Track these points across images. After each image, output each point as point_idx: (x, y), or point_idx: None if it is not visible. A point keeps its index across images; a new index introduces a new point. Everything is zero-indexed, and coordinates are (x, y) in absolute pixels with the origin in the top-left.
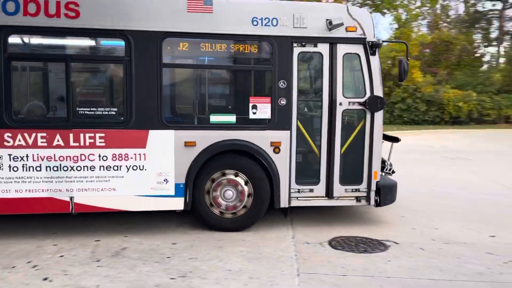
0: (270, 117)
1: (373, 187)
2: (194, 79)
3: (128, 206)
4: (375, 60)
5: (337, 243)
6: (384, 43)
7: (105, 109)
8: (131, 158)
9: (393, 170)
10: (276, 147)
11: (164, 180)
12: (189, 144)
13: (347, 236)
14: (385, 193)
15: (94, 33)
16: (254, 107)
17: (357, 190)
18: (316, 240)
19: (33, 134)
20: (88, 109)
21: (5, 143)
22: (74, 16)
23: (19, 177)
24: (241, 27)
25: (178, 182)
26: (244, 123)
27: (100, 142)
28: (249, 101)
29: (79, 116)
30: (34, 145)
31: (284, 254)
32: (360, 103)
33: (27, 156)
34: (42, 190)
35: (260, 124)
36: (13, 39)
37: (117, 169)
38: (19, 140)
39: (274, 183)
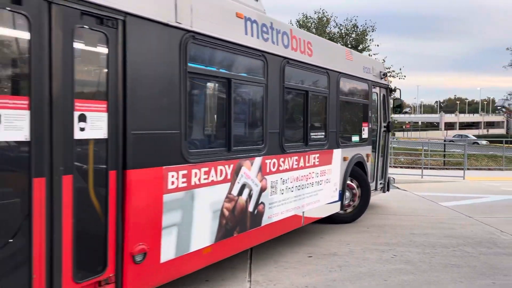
0: (367, 137)
1: (386, 180)
2: (346, 109)
3: (323, 214)
4: (389, 99)
5: None
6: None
7: (317, 134)
8: (326, 173)
9: None
10: (368, 158)
11: (336, 189)
12: (345, 159)
13: None
14: (389, 183)
15: (317, 70)
16: (363, 129)
17: (381, 183)
18: None
19: (294, 158)
20: (315, 134)
21: (280, 168)
22: (310, 54)
23: (282, 200)
24: (360, 72)
25: (339, 189)
26: (359, 141)
27: (316, 162)
28: (361, 125)
29: (311, 139)
30: (291, 168)
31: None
32: (385, 126)
33: (288, 179)
34: (292, 209)
35: (363, 142)
36: (287, 71)
37: (321, 183)
38: (286, 164)
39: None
